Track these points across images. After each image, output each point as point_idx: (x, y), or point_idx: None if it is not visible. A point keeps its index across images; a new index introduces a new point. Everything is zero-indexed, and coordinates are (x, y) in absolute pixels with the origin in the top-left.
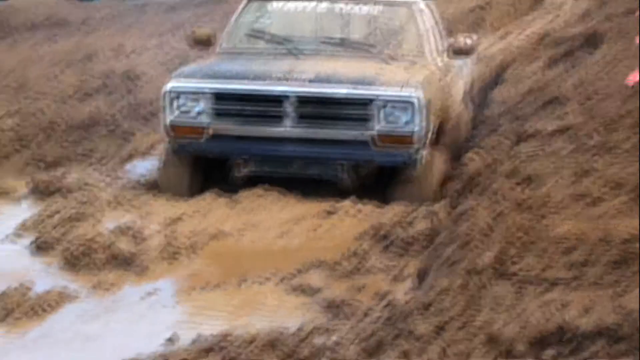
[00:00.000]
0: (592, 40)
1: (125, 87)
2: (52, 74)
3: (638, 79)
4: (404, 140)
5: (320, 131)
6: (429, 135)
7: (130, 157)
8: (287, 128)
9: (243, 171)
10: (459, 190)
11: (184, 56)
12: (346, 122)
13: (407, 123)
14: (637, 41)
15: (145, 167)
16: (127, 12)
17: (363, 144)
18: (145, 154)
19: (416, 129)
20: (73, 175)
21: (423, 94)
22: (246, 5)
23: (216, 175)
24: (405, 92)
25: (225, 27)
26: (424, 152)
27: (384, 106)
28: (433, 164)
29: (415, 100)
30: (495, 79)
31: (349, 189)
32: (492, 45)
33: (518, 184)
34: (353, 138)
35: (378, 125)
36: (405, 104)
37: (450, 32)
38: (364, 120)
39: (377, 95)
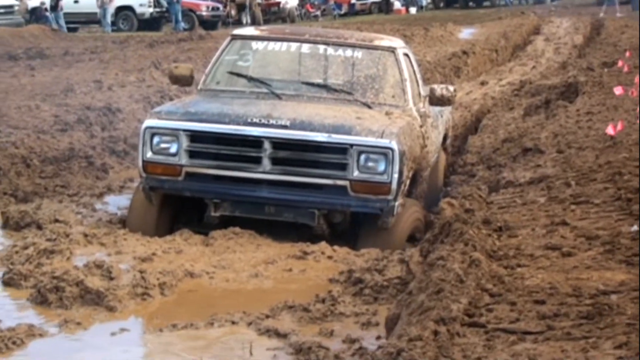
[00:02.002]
0: (569, 91)
1: (103, 121)
2: (30, 106)
3: (617, 129)
4: (380, 188)
5: (296, 176)
6: (404, 184)
7: (105, 192)
8: (263, 171)
9: (217, 212)
10: (432, 237)
11: (164, 92)
12: (322, 168)
13: (383, 172)
14: (616, 93)
15: (119, 203)
16: (108, 46)
17: (338, 190)
18: (120, 189)
19: (392, 178)
20: (46, 210)
21: (400, 144)
22: (229, 43)
23: (188, 216)
24: (382, 142)
25: (206, 65)
26: (399, 201)
27: (361, 154)
28: (406, 213)
29: (391, 150)
30: (473, 126)
31: (323, 234)
32: (470, 93)
33: (491, 233)
34: (329, 184)
35: (354, 173)
36: (382, 153)
37: (428, 79)
38: (340, 166)
39: (354, 143)
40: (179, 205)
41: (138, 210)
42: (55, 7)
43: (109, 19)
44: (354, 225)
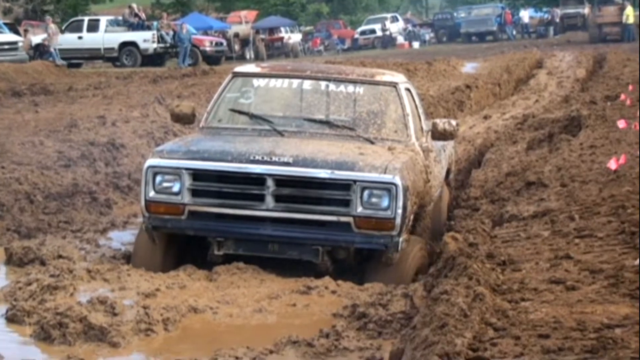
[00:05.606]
0: (572, 125)
1: (107, 157)
2: (34, 142)
3: (619, 163)
4: (384, 224)
5: (299, 213)
6: (409, 219)
7: (109, 228)
8: (267, 209)
9: (220, 251)
10: (436, 272)
11: (168, 127)
12: (326, 205)
13: (386, 208)
14: (619, 126)
15: (123, 238)
16: (111, 82)
17: (342, 227)
18: (124, 225)
19: (396, 213)
20: (49, 245)
21: (403, 179)
22: (230, 81)
23: (192, 252)
24: (385, 177)
25: (210, 100)
26: (403, 237)
27: (364, 190)
28: (411, 249)
29: (395, 186)
30: (476, 160)
31: (327, 271)
32: (473, 127)
33: (495, 267)
34: (332, 220)
35: (358, 209)
36: (385, 189)
37: (432, 113)
38: (344, 203)
39: (357, 179)
40: (186, 241)
41: (143, 247)
42: None
43: (53, 53)
44: (358, 259)
